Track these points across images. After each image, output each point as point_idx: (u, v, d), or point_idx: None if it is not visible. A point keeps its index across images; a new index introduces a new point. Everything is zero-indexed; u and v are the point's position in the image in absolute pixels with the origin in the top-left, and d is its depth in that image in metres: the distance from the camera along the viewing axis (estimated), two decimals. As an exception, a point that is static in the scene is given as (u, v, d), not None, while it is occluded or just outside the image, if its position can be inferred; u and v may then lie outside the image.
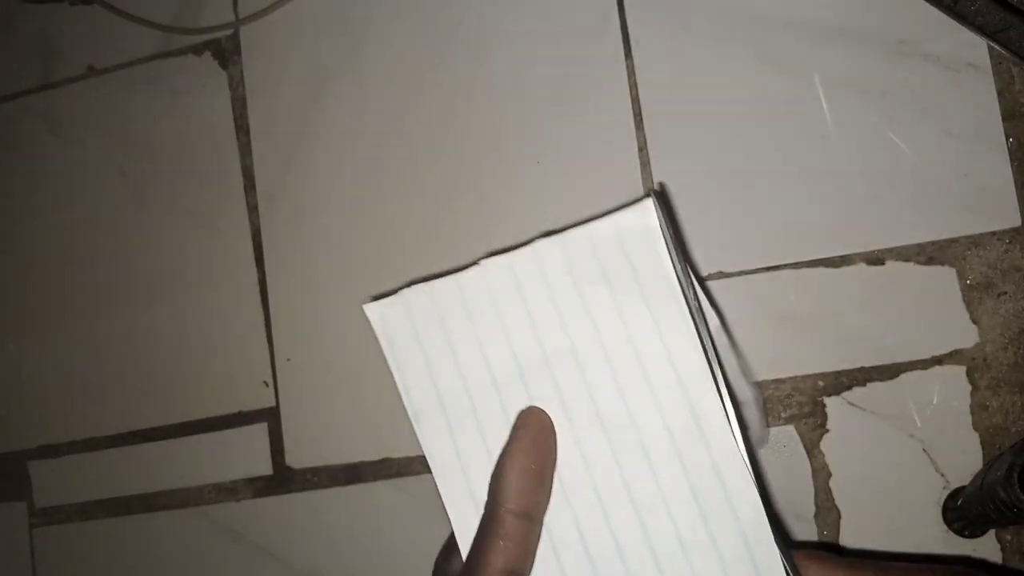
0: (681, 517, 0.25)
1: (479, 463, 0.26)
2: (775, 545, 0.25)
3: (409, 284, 0.29)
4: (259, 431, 0.56)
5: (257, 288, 0.57)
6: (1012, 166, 0.46)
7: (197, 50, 0.60)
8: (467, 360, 0.27)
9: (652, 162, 0.51)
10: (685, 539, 0.25)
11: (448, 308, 0.28)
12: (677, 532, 0.25)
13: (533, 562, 0.25)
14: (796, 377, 0.48)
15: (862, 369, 0.47)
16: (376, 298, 0.29)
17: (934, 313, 0.47)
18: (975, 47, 0.47)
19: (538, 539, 0.26)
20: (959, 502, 0.44)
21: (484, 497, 0.26)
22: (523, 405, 0.27)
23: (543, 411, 0.27)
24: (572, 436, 0.26)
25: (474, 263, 0.28)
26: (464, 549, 0.26)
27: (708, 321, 0.28)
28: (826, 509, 0.47)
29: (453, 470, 0.27)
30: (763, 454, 0.48)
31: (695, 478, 0.25)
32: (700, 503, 0.25)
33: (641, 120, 0.51)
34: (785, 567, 0.25)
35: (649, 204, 0.27)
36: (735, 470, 0.25)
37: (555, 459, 0.26)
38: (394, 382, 0.28)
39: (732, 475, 0.25)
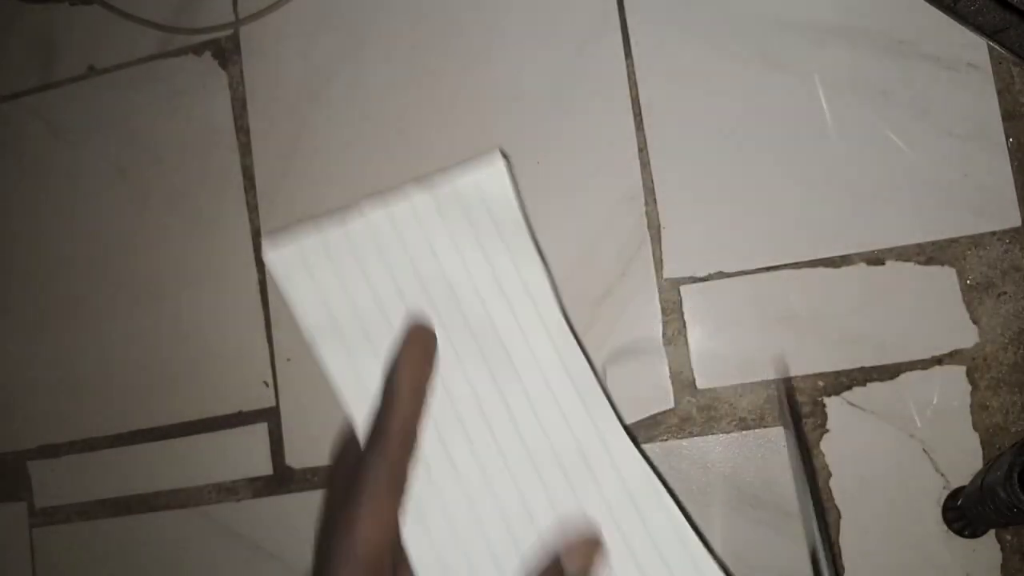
0: (543, 412, 0.31)
1: (372, 367, 0.31)
2: (618, 424, 0.31)
3: (299, 221, 0.32)
4: (259, 431, 0.56)
5: (257, 288, 0.57)
6: (1012, 166, 0.46)
7: (197, 50, 0.60)
8: (355, 290, 0.32)
9: (652, 162, 0.51)
10: (550, 430, 0.31)
11: (336, 250, 0.33)
12: (541, 425, 0.31)
13: (422, 430, 0.30)
14: (796, 377, 0.48)
15: (862, 369, 0.47)
16: (272, 236, 0.33)
17: (934, 313, 0.47)
18: (975, 47, 0.47)
19: (426, 410, 0.30)
20: (959, 502, 0.44)
21: (378, 392, 0.30)
22: (407, 321, 0.32)
23: (425, 320, 0.32)
24: (450, 345, 0.32)
25: (357, 209, 0.33)
26: (362, 436, 0.30)
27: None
28: (826, 509, 0.47)
29: (351, 377, 0.32)
30: (762, 454, 0.48)
31: (552, 379, 0.31)
32: (557, 399, 0.31)
33: (641, 120, 0.51)
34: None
35: (497, 155, 0.33)
36: (580, 368, 0.32)
37: (436, 346, 0.31)
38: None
39: (577, 373, 0.31)
